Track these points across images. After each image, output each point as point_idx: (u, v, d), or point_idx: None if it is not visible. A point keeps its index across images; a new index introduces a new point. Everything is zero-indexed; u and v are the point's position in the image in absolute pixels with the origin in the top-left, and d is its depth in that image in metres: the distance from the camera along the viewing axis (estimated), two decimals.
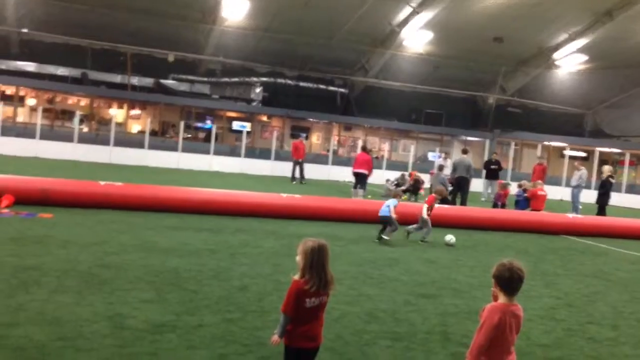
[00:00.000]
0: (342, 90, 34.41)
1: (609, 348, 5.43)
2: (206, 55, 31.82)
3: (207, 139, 28.26)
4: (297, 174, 22.26)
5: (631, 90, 33.95)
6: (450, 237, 10.94)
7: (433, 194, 11.76)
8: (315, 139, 35.90)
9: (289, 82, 33.33)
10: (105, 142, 24.85)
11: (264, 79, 32.98)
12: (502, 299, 3.14)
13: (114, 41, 29.81)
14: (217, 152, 26.13)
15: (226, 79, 33.06)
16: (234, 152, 27.90)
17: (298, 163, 22.31)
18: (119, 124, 30.01)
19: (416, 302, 6.38)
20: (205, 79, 33.09)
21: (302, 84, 33.41)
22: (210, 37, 30.44)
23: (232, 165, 25.89)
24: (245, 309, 5.47)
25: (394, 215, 10.47)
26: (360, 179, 17.72)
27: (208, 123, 33.20)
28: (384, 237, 10.40)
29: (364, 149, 19.02)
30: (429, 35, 29.12)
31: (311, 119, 33.92)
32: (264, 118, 34.75)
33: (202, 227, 9.77)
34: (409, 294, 6.72)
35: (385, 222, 10.52)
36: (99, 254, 7.08)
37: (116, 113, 30.73)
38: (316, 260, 3.39)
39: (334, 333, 5.01)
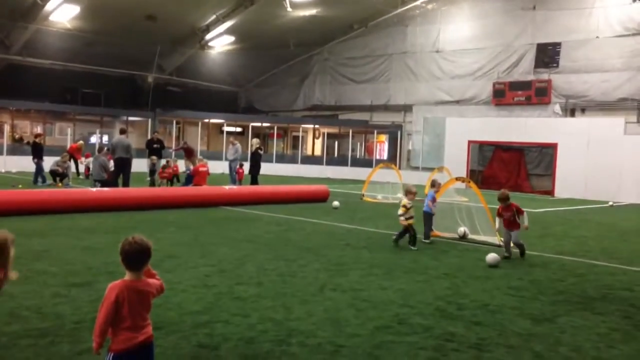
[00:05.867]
0: None
1: (253, 304, 6.00)
2: None
3: None
4: None
5: (274, 70, 37.67)
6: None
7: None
8: None
9: None
10: None
11: None
12: (127, 275, 3.18)
13: None
14: None
15: None
16: None
17: None
18: None
19: (67, 293, 6.05)
20: None
21: None
22: None
23: None
24: None
25: None
26: None
27: None
28: None
29: None
30: (76, 9, 27.27)
31: None
32: None
33: None
34: (59, 285, 6.33)
35: None
36: None
37: None
38: None
39: None
